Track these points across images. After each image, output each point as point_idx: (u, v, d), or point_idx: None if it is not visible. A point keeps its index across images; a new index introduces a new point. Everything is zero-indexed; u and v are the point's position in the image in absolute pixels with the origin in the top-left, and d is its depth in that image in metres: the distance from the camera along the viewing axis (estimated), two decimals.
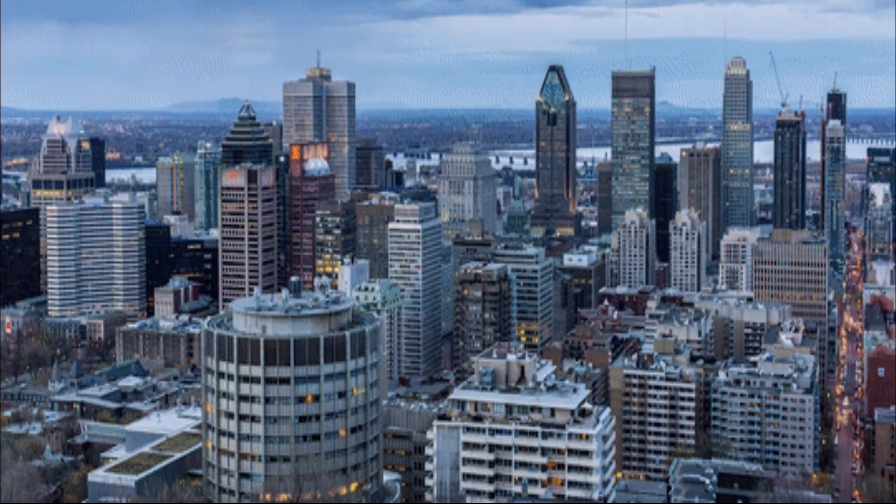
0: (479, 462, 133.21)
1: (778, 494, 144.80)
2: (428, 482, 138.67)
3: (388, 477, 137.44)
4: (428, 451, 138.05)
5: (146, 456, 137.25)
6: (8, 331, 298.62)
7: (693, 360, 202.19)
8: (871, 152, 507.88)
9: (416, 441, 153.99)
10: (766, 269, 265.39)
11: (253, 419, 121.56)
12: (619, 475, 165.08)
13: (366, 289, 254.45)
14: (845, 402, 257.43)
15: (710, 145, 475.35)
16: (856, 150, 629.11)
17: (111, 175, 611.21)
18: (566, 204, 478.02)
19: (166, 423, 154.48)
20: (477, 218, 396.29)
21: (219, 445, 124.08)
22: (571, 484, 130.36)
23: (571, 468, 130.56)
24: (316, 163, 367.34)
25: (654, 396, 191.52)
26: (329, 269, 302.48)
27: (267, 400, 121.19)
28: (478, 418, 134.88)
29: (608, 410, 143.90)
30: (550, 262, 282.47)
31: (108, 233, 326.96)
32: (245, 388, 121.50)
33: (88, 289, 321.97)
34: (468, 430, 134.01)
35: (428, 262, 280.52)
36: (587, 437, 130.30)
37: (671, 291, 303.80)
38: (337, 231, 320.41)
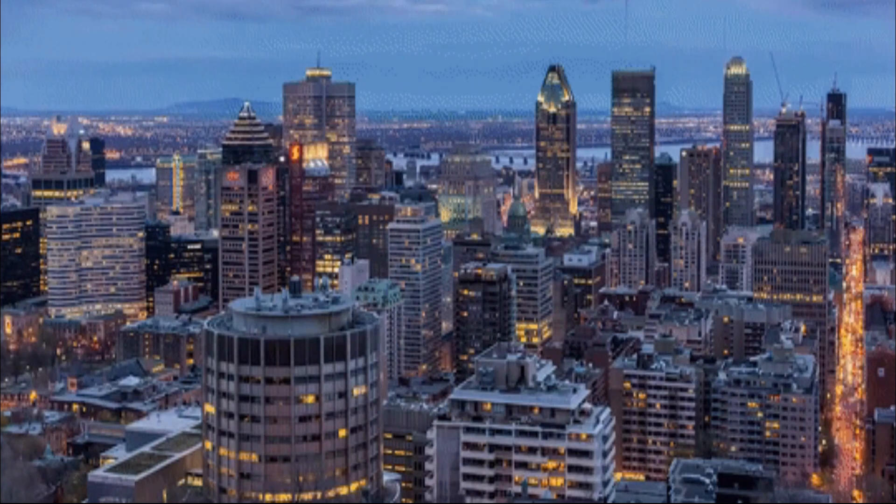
0: (479, 462, 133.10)
1: (778, 494, 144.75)
2: (428, 482, 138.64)
3: (388, 477, 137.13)
4: (428, 451, 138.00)
5: (146, 456, 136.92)
6: (8, 331, 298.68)
7: (693, 360, 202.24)
8: (871, 152, 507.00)
9: (416, 441, 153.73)
10: (766, 269, 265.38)
11: (253, 419, 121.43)
12: (619, 475, 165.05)
13: (366, 289, 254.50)
14: (845, 402, 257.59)
15: (709, 145, 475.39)
16: (856, 150, 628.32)
17: (111, 175, 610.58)
18: (566, 204, 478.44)
19: (166, 423, 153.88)
20: (477, 218, 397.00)
21: (219, 445, 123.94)
22: (571, 484, 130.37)
23: (571, 468, 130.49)
24: (316, 163, 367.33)
25: (654, 396, 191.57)
26: (329, 269, 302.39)
27: (267, 400, 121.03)
28: (478, 418, 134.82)
29: (608, 410, 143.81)
30: (550, 262, 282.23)
31: (108, 233, 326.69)
32: (245, 388, 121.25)
33: (88, 289, 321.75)
34: (468, 430, 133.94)
35: (428, 262, 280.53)
36: (587, 437, 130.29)
37: (671, 291, 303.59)
38: (337, 231, 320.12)
